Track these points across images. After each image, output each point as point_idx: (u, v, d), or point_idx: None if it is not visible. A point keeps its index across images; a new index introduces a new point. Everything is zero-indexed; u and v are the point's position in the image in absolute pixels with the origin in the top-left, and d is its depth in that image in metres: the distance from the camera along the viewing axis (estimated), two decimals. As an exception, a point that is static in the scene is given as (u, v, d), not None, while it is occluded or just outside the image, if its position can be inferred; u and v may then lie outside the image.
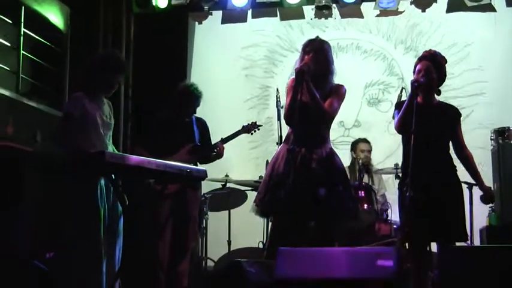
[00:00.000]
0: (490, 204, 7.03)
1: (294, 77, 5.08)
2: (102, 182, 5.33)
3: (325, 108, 4.99)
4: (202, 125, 6.52)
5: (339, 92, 5.14)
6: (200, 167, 5.54)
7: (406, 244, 5.40)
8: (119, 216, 5.47)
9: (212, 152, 6.42)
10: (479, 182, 5.29)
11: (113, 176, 4.97)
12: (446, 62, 5.33)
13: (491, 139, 7.32)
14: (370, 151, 7.67)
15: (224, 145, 6.54)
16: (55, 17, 7.18)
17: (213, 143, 6.50)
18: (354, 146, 7.76)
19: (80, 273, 5.10)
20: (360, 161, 7.48)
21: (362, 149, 7.66)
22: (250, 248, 7.31)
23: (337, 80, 5.26)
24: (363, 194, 7.00)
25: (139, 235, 5.70)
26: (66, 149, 5.36)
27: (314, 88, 4.95)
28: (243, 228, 7.37)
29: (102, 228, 5.23)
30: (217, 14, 8.83)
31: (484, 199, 5.35)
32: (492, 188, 6.88)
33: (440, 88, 5.30)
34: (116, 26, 8.41)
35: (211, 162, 6.48)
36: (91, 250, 5.16)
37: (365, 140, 7.77)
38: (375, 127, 8.40)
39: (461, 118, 5.36)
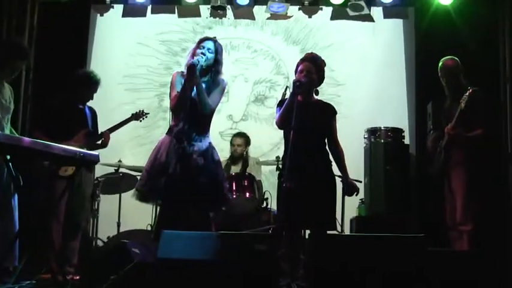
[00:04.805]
0: (360, 197, 7.24)
1: (178, 71, 5.21)
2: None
3: (209, 103, 5.02)
4: (93, 113, 6.47)
5: (221, 87, 5.21)
6: (93, 151, 5.43)
7: (283, 230, 5.48)
8: (13, 193, 5.36)
9: (99, 140, 6.36)
10: (345, 175, 5.39)
11: (7, 156, 4.86)
12: (325, 65, 5.43)
13: (364, 137, 7.50)
14: (243, 145, 7.75)
15: (119, 132, 6.54)
16: (-41, 0, 6.92)
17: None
18: (231, 140, 7.85)
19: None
20: (234, 154, 7.67)
21: (234, 143, 7.78)
22: (139, 230, 7.25)
23: (228, 76, 5.32)
24: (245, 183, 7.07)
25: (34, 216, 5.59)
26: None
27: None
28: (134, 211, 7.29)
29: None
30: (119, 8, 8.68)
31: (348, 191, 5.46)
32: (363, 182, 7.13)
33: (318, 88, 5.39)
34: (20, 13, 8.15)
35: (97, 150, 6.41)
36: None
37: (239, 135, 7.86)
38: (261, 122, 8.48)
39: (338, 117, 5.48)
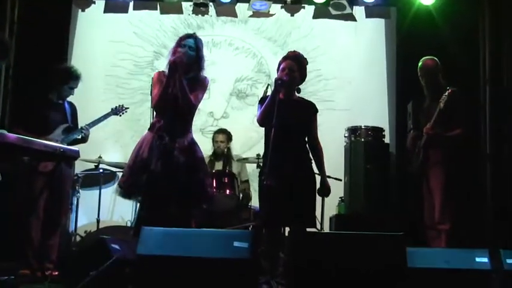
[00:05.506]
0: (340, 195, 7.28)
1: (160, 70, 5.23)
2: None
3: (192, 100, 5.03)
4: (73, 109, 6.44)
5: (203, 84, 5.21)
6: (73, 147, 5.41)
7: (263, 228, 5.51)
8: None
9: (79, 134, 6.33)
10: (322, 174, 5.43)
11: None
12: (307, 63, 5.46)
13: (344, 136, 7.53)
14: (226, 141, 7.80)
15: (99, 128, 6.51)
16: None
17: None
18: (213, 136, 7.88)
19: None
20: (217, 151, 7.73)
21: (216, 140, 7.82)
22: (118, 226, 7.24)
23: (210, 73, 5.33)
24: (226, 181, 7.08)
25: (13, 211, 5.59)
26: None
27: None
28: (113, 207, 7.31)
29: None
30: (100, 3, 8.66)
31: (321, 191, 5.48)
32: (343, 180, 7.16)
33: (300, 86, 5.42)
34: (0, 7, 8.10)
35: (78, 144, 6.37)
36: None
37: (221, 131, 7.90)
38: (242, 119, 8.48)
39: (319, 115, 5.51)
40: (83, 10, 8.68)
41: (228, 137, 7.81)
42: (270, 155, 4.92)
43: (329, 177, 5.58)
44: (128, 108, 6.99)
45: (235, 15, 8.69)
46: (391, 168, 7.56)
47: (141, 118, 8.23)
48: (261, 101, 5.37)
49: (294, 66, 5.33)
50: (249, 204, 7.30)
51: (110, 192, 7.28)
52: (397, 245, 4.29)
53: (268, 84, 5.88)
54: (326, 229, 7.06)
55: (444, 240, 5.87)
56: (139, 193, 5.05)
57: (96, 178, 7.38)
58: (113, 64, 8.66)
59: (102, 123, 6.58)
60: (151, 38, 8.71)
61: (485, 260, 4.37)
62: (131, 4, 8.62)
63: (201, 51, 5.23)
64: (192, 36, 5.26)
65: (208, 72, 5.30)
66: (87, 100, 7.56)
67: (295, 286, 4.31)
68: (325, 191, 5.45)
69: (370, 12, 8.63)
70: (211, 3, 8.57)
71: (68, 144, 5.94)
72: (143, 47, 8.69)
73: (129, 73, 8.66)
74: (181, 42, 5.18)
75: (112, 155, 7.78)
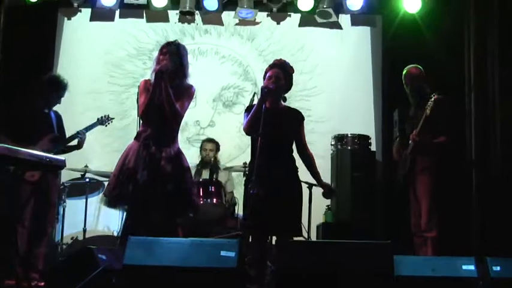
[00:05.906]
0: (327, 203, 7.27)
1: (146, 79, 5.21)
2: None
3: (178, 109, 5.02)
4: (59, 118, 6.42)
5: (189, 93, 5.20)
6: (59, 156, 5.39)
7: (250, 237, 5.50)
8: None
9: (75, 138, 6.31)
10: (318, 179, 5.42)
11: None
12: (293, 71, 5.45)
13: (331, 144, 7.55)
14: (214, 150, 7.81)
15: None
16: None
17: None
18: (201, 145, 7.85)
19: None
20: (205, 159, 7.72)
21: (205, 148, 7.82)
22: (105, 236, 7.21)
23: (195, 81, 5.31)
24: (213, 189, 7.07)
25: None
26: None
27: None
28: (99, 217, 7.27)
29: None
30: (87, 12, 8.64)
31: (325, 194, 5.47)
32: (330, 188, 7.14)
33: (286, 95, 5.41)
34: (-15, 17, 8.07)
35: (69, 152, 6.35)
36: None
37: (209, 140, 7.91)
38: (228, 128, 8.46)
39: (305, 123, 5.50)
40: (68, 18, 8.67)
41: (217, 146, 7.82)
42: (257, 163, 4.92)
43: (315, 185, 5.57)
44: (114, 118, 6.95)
45: (221, 24, 8.69)
46: (378, 176, 7.58)
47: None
48: (248, 110, 5.35)
49: (281, 75, 5.31)
50: (236, 213, 7.28)
51: (96, 201, 7.25)
52: (384, 253, 4.30)
53: (255, 93, 5.87)
54: (313, 238, 7.07)
55: (431, 248, 5.88)
56: (125, 202, 5.04)
57: (83, 187, 7.34)
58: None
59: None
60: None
61: (472, 267, 4.38)
62: (117, 12, 8.62)
63: (185, 57, 5.22)
64: (174, 43, 5.24)
65: (194, 80, 5.29)
66: (71, 109, 7.51)
67: (282, 295, 4.32)
68: (329, 192, 5.45)
69: (356, 20, 8.67)
70: (197, 12, 8.57)
71: (56, 153, 5.92)
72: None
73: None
74: (163, 50, 5.17)
75: (98, 164, 7.73)
